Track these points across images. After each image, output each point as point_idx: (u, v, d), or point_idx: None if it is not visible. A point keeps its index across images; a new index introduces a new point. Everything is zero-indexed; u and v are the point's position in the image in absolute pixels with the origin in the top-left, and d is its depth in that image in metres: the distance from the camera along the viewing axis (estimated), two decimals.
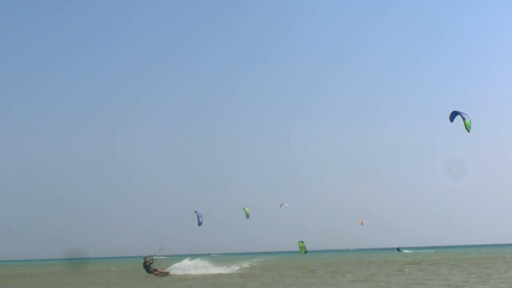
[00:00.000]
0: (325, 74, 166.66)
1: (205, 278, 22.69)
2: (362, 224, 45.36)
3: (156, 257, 24.43)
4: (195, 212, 24.18)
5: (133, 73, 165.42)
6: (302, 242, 26.85)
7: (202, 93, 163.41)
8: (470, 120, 15.14)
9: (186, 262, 27.09)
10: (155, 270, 24.21)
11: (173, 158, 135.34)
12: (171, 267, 26.38)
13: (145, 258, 24.52)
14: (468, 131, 15.10)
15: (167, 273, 24.84)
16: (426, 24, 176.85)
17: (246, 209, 23.63)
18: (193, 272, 25.80)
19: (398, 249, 72.25)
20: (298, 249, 27.17)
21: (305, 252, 27.41)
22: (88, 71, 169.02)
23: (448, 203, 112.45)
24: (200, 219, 23.76)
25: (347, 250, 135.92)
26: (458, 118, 15.78)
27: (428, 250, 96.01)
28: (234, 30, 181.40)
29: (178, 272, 25.71)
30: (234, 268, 29.69)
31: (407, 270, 23.32)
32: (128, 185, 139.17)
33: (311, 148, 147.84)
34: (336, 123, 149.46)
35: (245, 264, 34.83)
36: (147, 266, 24.26)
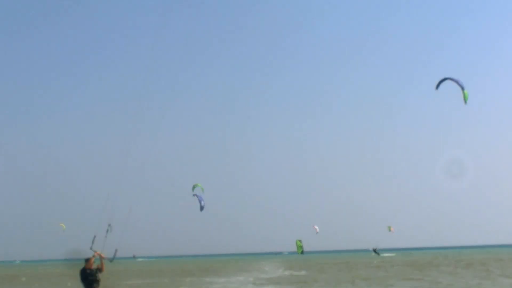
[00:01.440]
0: (332, 80, 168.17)
1: None
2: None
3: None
4: (195, 195, 20.65)
5: (144, 75, 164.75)
6: (300, 241, 26.41)
7: (215, 96, 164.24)
8: (467, 91, 12.82)
9: None
10: None
11: (182, 159, 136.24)
12: None
13: (88, 260, 9.94)
14: (465, 102, 12.79)
15: None
16: (431, 28, 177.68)
17: (199, 184, 22.00)
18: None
19: (375, 251, 62.69)
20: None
21: (302, 252, 27.08)
22: (99, 73, 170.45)
23: (445, 204, 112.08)
24: (202, 203, 20.27)
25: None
26: (448, 87, 12.89)
27: (414, 251, 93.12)
28: (245, 33, 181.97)
29: None
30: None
31: None
32: (130, 185, 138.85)
33: (318, 152, 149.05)
34: (342, 127, 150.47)
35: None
36: (90, 279, 9.92)
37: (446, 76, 12.40)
